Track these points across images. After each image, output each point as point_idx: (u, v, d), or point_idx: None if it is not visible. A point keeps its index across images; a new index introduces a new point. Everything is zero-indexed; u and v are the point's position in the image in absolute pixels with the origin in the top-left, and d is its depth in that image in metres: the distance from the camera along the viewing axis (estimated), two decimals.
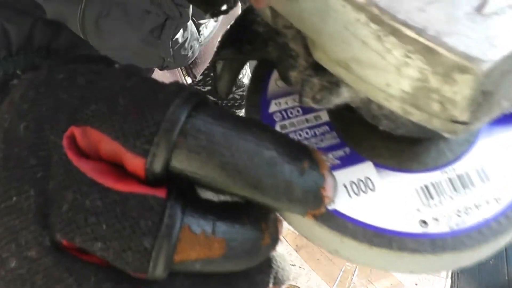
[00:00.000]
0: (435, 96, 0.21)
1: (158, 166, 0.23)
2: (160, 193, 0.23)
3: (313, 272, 1.66)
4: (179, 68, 0.96)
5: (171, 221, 0.22)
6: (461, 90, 0.21)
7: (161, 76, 0.93)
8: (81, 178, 0.23)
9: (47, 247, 0.23)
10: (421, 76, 0.21)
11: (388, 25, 0.21)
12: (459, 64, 0.20)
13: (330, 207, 0.28)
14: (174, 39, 0.82)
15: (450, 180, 0.29)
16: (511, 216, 0.28)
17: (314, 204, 0.25)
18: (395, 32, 0.21)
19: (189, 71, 0.99)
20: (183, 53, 0.85)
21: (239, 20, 0.33)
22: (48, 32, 0.31)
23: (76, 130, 0.24)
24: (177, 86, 0.25)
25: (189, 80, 1.00)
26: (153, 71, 0.91)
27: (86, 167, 0.24)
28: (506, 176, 0.29)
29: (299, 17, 0.24)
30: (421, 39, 0.20)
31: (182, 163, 0.23)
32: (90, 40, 0.77)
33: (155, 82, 0.25)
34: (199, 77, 1.03)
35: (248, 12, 0.32)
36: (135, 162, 0.23)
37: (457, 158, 0.30)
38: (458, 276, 1.34)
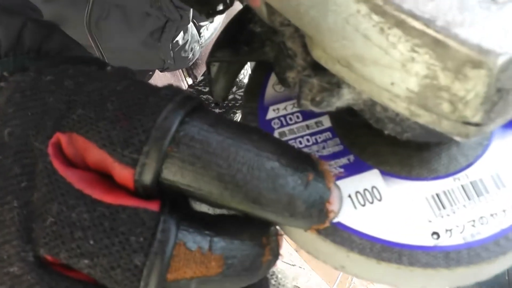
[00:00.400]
0: (445, 94, 0.20)
1: (148, 178, 0.21)
2: (153, 206, 0.22)
3: (313, 272, 1.65)
4: (180, 69, 0.96)
5: (164, 236, 0.21)
6: (473, 88, 0.19)
7: (162, 77, 0.93)
8: (67, 189, 0.22)
9: (31, 262, 0.22)
10: (429, 73, 0.19)
11: (392, 16, 0.19)
12: (471, 58, 0.18)
13: (334, 220, 0.26)
14: (174, 42, 0.81)
15: (463, 187, 0.28)
16: None
17: (318, 219, 0.23)
18: (400, 24, 0.19)
19: (190, 72, 0.99)
20: (183, 55, 0.85)
21: (235, 20, 0.31)
22: (40, 34, 0.30)
23: (61, 137, 0.23)
24: (170, 89, 0.23)
25: (190, 81, 1.00)
26: (153, 72, 0.91)
27: (72, 177, 0.22)
28: None
29: (296, 12, 0.22)
30: (429, 31, 0.18)
31: (174, 174, 0.22)
32: (97, 41, 0.77)
33: (148, 85, 0.24)
34: (200, 78, 1.02)
35: (244, 11, 0.31)
36: (123, 173, 0.22)
37: (470, 163, 0.28)
38: None
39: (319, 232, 0.26)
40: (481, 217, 0.27)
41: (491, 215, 0.27)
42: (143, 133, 0.21)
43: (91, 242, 0.21)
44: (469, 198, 0.27)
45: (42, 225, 0.22)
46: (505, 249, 0.26)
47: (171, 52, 0.82)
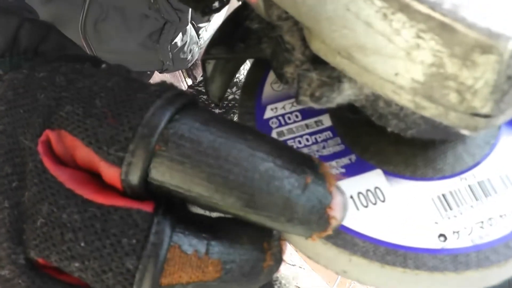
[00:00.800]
0: (452, 84, 0.19)
1: (134, 178, 0.21)
2: (147, 207, 0.21)
3: (313, 272, 1.64)
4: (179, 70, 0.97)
5: (158, 239, 0.20)
6: (482, 75, 0.18)
7: (161, 78, 0.94)
8: (58, 188, 0.21)
9: (22, 265, 0.21)
10: (435, 61, 0.18)
11: (395, 0, 0.18)
12: (480, 42, 0.17)
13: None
14: (173, 43, 0.82)
15: (470, 187, 0.27)
16: None
17: (318, 225, 0.21)
18: (404, 8, 0.18)
19: (189, 72, 0.99)
20: (182, 56, 0.85)
21: (231, 18, 0.30)
22: (36, 34, 0.30)
23: (51, 134, 0.22)
24: (161, 86, 0.23)
25: (189, 82, 1.00)
26: (152, 73, 0.91)
27: (63, 176, 0.22)
28: None
29: (294, 2, 0.22)
30: (435, 15, 0.17)
31: (162, 175, 0.21)
32: (91, 43, 0.78)
33: (139, 82, 0.23)
34: (199, 79, 1.03)
35: (240, 9, 0.30)
36: (110, 172, 0.21)
37: (477, 162, 0.28)
38: None
39: None
40: (490, 218, 0.26)
41: (500, 216, 0.26)
42: (129, 130, 0.21)
43: (82, 244, 0.20)
44: (476, 199, 0.26)
45: (33, 226, 0.21)
46: None
47: (170, 53, 0.82)
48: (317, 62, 0.23)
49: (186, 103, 0.22)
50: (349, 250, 0.25)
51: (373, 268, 0.25)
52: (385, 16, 0.18)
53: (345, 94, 0.24)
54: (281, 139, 0.29)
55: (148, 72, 0.91)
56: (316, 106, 0.24)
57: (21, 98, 0.24)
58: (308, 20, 0.22)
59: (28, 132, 0.23)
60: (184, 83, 0.98)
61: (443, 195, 0.27)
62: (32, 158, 0.22)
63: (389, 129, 0.25)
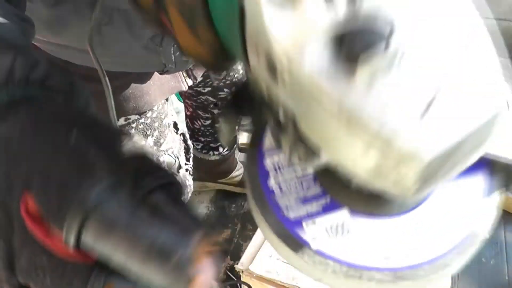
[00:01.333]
0: (392, 172, 0.27)
1: (71, 242, 0.28)
2: (90, 260, 0.29)
3: None
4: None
5: (94, 283, 0.29)
6: (411, 170, 0.26)
7: (162, 78, 0.93)
8: (34, 240, 0.29)
9: (16, 285, 0.30)
10: (379, 160, 0.27)
11: (355, 123, 0.26)
12: (408, 154, 0.25)
13: (314, 247, 0.35)
14: (175, 46, 0.81)
15: (411, 223, 0.35)
16: (460, 251, 0.34)
17: None
18: (360, 128, 0.26)
19: (189, 73, 0.99)
20: (184, 59, 0.85)
21: (242, 86, 0.38)
22: (27, 66, 0.35)
23: (28, 197, 0.30)
24: (107, 168, 0.30)
25: (189, 82, 1.01)
26: (152, 74, 0.92)
27: (38, 232, 0.29)
28: (456, 218, 0.35)
29: (287, 101, 0.30)
30: (379, 134, 0.25)
31: (89, 241, 0.28)
32: (95, 53, 0.77)
33: (92, 157, 0.31)
34: (199, 79, 1.04)
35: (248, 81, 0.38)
36: (58, 234, 0.29)
37: (418, 204, 0.36)
38: (458, 276, 1.31)
39: (302, 256, 0.34)
40: (423, 246, 0.34)
41: (430, 244, 0.35)
42: (69, 203, 0.28)
43: (49, 282, 0.29)
44: (415, 232, 0.35)
45: (19, 264, 0.30)
46: (437, 269, 0.34)
47: (173, 56, 0.82)
48: (304, 137, 0.31)
49: (118, 183, 0.29)
50: (323, 267, 0.34)
51: (339, 279, 0.34)
52: (347, 131, 0.27)
53: (323, 160, 0.32)
54: (276, 183, 0.37)
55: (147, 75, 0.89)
56: (302, 166, 0.33)
57: (12, 160, 0.31)
58: (297, 113, 0.30)
59: (13, 190, 0.30)
60: (184, 83, 0.99)
61: (391, 229, 0.35)
62: (16, 213, 0.29)
63: (354, 182, 0.34)
